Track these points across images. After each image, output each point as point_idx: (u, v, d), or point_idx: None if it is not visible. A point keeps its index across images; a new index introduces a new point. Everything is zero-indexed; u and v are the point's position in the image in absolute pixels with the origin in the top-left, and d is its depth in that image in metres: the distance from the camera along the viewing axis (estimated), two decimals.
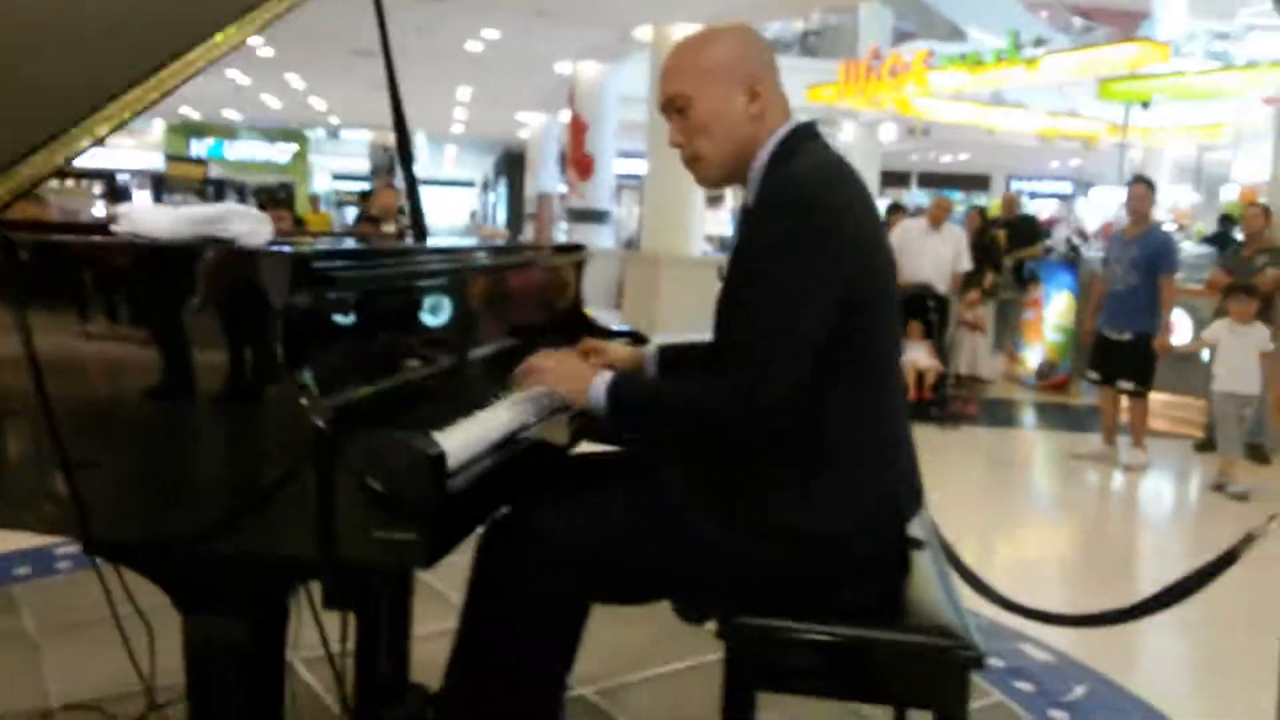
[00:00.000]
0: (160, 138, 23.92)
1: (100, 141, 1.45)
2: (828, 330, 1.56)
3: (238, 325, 1.27)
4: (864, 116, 16.43)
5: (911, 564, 1.77)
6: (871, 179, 17.63)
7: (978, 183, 23.76)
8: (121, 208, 1.39)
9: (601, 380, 1.62)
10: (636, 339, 2.50)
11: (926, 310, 7.39)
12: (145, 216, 1.36)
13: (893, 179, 18.41)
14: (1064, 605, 3.11)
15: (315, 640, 2.07)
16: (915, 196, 20.07)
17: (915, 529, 1.96)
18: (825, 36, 18.04)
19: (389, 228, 6.79)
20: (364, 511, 1.25)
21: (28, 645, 1.54)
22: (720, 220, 18.47)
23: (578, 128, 13.28)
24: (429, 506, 1.24)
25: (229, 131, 22.64)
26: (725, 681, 1.57)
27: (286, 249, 1.32)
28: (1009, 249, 9.20)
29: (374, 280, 1.47)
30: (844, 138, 17.74)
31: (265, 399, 1.26)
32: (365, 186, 17.31)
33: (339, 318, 1.39)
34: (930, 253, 7.63)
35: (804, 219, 1.56)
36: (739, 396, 1.53)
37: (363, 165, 24.19)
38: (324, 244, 1.62)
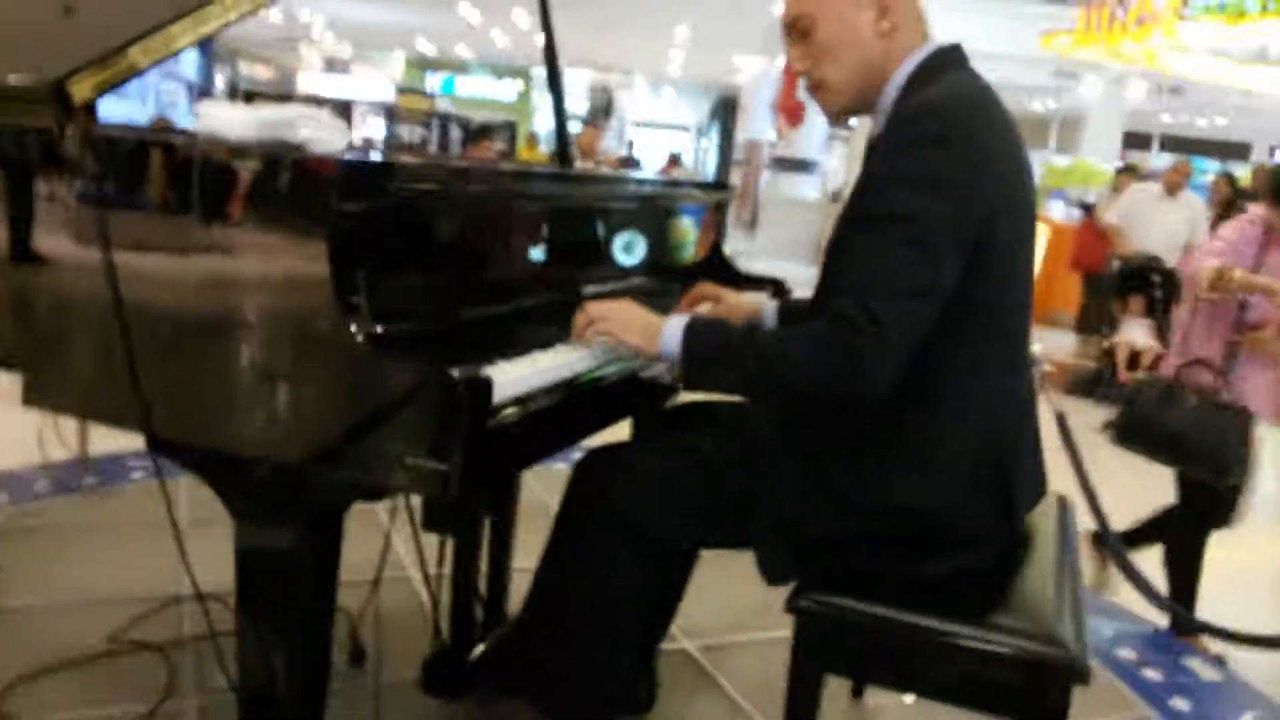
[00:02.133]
0: (399, 70, 25.22)
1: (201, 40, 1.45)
2: (952, 284, 1.37)
3: (288, 232, 1.24)
4: (1109, 70, 15.08)
5: (1026, 555, 1.57)
6: (1113, 139, 16.26)
7: (1235, 150, 21.34)
8: (201, 105, 1.38)
9: (676, 324, 1.47)
10: (779, 289, 2.34)
11: (1150, 285, 6.73)
12: (221, 114, 1.34)
13: (1133, 140, 16.85)
14: (1259, 624, 2.74)
15: (412, 559, 2.11)
16: (1157, 161, 18.32)
17: (1044, 519, 1.76)
18: None
19: (585, 165, 6.84)
20: (397, 436, 1.19)
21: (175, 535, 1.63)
22: None
23: (791, 73, 12.91)
24: (461, 438, 1.17)
25: (461, 67, 23.52)
26: (791, 660, 1.44)
27: (345, 156, 1.26)
28: None
29: (444, 198, 1.40)
30: (1085, 92, 16.40)
31: (310, 311, 1.22)
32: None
33: (399, 234, 1.33)
34: (1161, 222, 6.95)
35: (939, 150, 1.36)
36: (848, 355, 1.33)
37: (583, 105, 24.63)
38: (410, 160, 1.56)
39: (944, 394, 1.45)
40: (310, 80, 23.18)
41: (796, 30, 1.54)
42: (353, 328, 1.20)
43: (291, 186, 1.24)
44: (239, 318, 1.26)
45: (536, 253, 1.67)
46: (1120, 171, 8.36)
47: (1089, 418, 6.03)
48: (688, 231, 2.24)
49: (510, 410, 1.30)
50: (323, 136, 1.33)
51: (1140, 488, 4.41)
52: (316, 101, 16.57)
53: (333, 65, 24.58)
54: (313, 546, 1.36)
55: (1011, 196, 1.43)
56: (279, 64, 25.84)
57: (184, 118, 11.93)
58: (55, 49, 1.43)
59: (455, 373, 1.18)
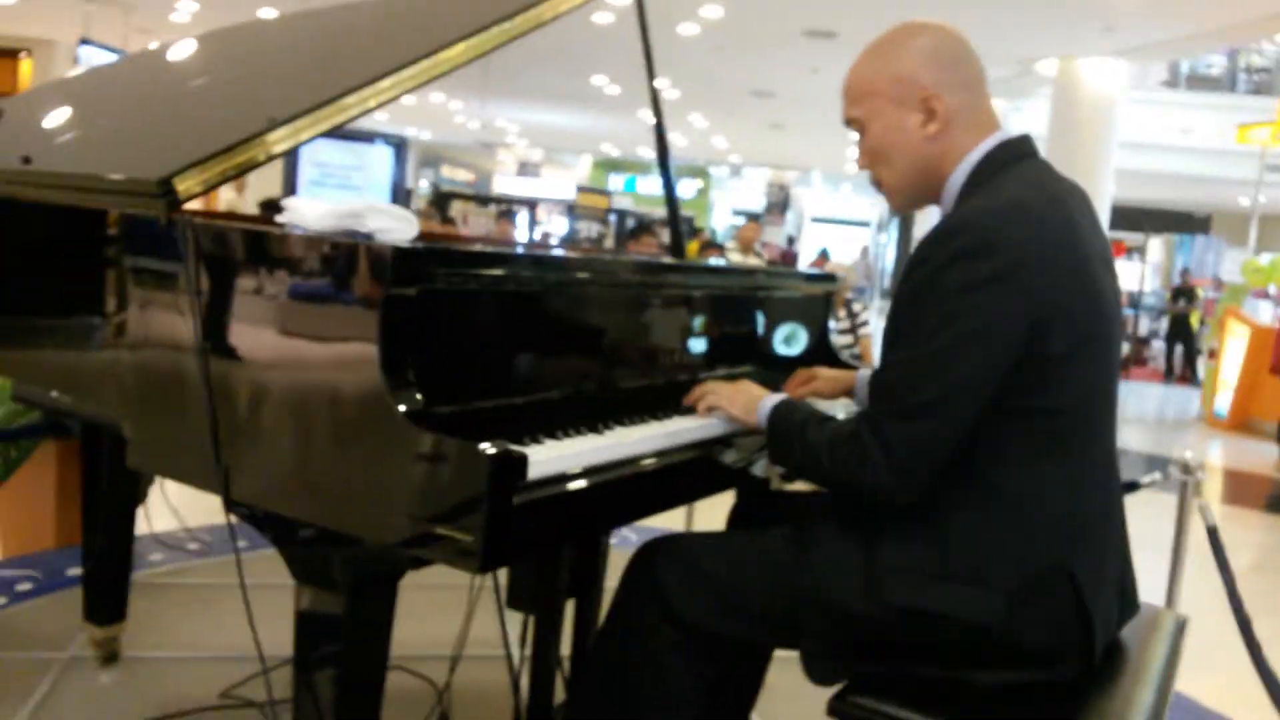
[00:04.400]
0: (586, 171, 26.40)
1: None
2: (994, 389, 1.34)
3: (349, 314, 1.33)
4: None
5: (1113, 673, 1.46)
6: None
7: None
8: (288, 200, 1.52)
9: (771, 399, 1.58)
10: None
11: None
12: (302, 207, 1.48)
13: None
14: None
15: (496, 637, 2.15)
16: None
17: (1148, 636, 1.63)
18: (1278, 73, 15.71)
19: (737, 257, 6.94)
20: (431, 507, 1.25)
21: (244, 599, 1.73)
22: (1130, 273, 16.69)
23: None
24: (485, 513, 1.21)
25: (642, 167, 24.39)
26: None
27: (398, 243, 1.36)
28: None
29: (493, 286, 1.47)
30: None
31: (361, 389, 1.30)
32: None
33: (450, 316, 1.40)
34: None
35: (969, 264, 1.33)
36: (861, 468, 1.37)
37: (760, 201, 24.99)
38: (480, 248, 1.65)
39: (995, 507, 1.38)
40: (504, 182, 24.62)
41: (853, 130, 1.56)
42: (398, 402, 1.28)
43: (351, 270, 1.34)
44: (300, 390, 1.36)
45: (599, 338, 1.72)
46: None
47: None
48: (779, 322, 2.24)
49: (553, 487, 1.34)
50: (391, 226, 1.44)
51: None
52: (508, 201, 17.68)
53: (525, 168, 26.03)
54: (362, 611, 1.42)
55: (1067, 303, 1.37)
56: (477, 167, 27.61)
57: None
58: (172, 147, 1.61)
59: (485, 448, 1.23)
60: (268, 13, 11.76)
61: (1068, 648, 1.40)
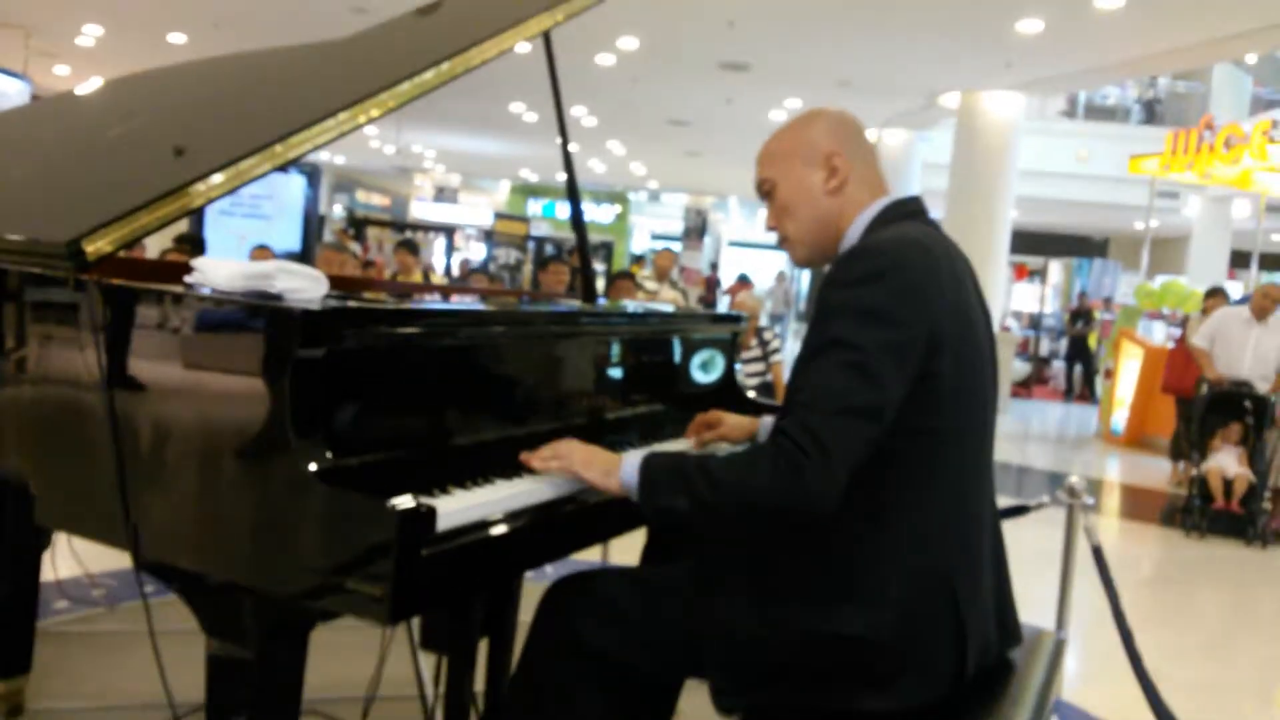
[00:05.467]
0: (505, 197, 26.37)
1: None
2: (894, 410, 1.44)
3: (255, 373, 1.37)
4: (1211, 191, 14.81)
5: (985, 696, 1.56)
6: (1220, 258, 15.84)
7: None
8: (197, 261, 1.55)
9: (634, 458, 1.54)
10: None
11: (1241, 411, 6.51)
12: (211, 268, 1.51)
13: (1235, 259, 16.36)
14: None
15: (410, 678, 2.18)
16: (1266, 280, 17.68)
17: (1030, 658, 1.74)
18: (1169, 104, 16.53)
19: (653, 286, 7.03)
20: (339, 561, 1.29)
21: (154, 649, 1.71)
22: (1030, 295, 17.33)
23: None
24: (394, 566, 1.26)
25: (560, 193, 24.50)
26: None
27: (305, 306, 1.40)
28: None
29: (400, 342, 1.53)
30: (1188, 213, 16.09)
31: (269, 447, 1.34)
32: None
33: (358, 374, 1.45)
34: (1251, 346, 6.74)
35: (880, 284, 1.45)
36: (790, 474, 1.38)
37: (678, 226, 25.26)
38: (382, 302, 1.70)
39: (884, 524, 1.49)
40: (421, 207, 24.46)
41: (763, 193, 1.69)
42: (305, 458, 1.32)
43: (260, 332, 1.38)
44: (209, 448, 1.39)
45: (508, 388, 1.78)
46: (1209, 294, 8.14)
47: (1178, 550, 5.80)
48: (687, 362, 2.33)
49: (465, 536, 1.39)
50: (299, 286, 1.48)
51: (1200, 623, 4.21)
52: (423, 228, 17.55)
53: (442, 193, 25.90)
54: (273, 662, 1.45)
55: (955, 333, 1.50)
56: (393, 192, 27.34)
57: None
58: (82, 204, 1.63)
59: (394, 503, 1.27)
60: (176, 37, 11.55)
61: (945, 660, 1.50)
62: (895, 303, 1.45)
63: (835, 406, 1.41)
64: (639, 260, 9.25)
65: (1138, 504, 7.33)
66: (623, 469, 1.54)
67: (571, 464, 1.59)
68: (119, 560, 1.48)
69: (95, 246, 1.49)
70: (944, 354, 1.48)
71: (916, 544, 1.49)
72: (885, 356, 1.43)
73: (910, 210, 1.64)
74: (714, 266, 23.01)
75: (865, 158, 1.67)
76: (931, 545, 1.50)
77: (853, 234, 1.63)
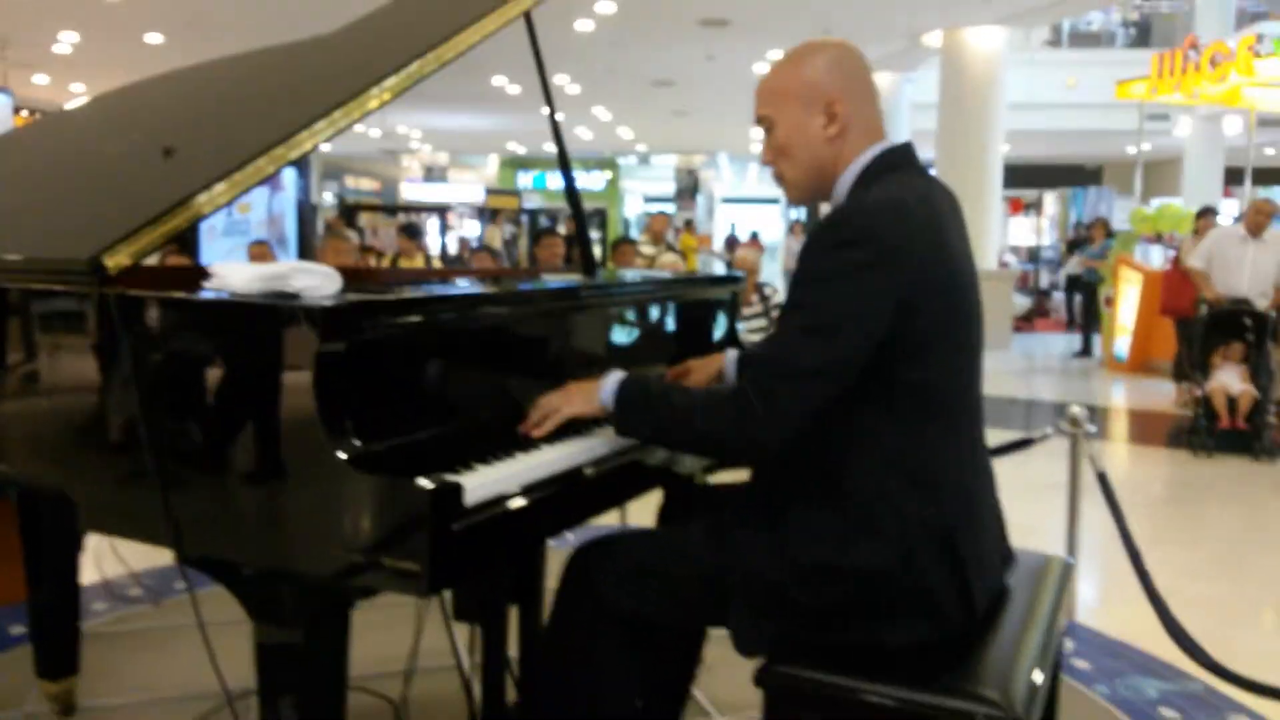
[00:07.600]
0: (495, 171, 26.30)
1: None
2: (858, 367, 1.53)
3: (281, 370, 1.44)
4: (1201, 110, 14.74)
5: (996, 622, 1.64)
6: (1214, 178, 15.79)
7: None
8: (214, 266, 1.61)
9: (611, 380, 1.66)
10: None
11: (1242, 329, 6.56)
12: (227, 272, 1.57)
13: (1228, 176, 16.29)
14: None
15: (446, 649, 2.26)
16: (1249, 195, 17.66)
17: (1037, 582, 1.82)
18: (1155, 26, 16.40)
19: (650, 250, 7.09)
20: (375, 540, 1.37)
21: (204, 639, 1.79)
22: (1027, 228, 17.30)
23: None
24: (428, 541, 1.34)
25: (550, 164, 24.43)
26: None
27: (323, 302, 1.46)
28: None
29: (416, 329, 1.59)
30: (1179, 134, 16.03)
31: (301, 440, 1.41)
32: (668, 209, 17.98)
33: (379, 363, 1.51)
34: (1248, 264, 6.77)
35: (844, 252, 1.53)
36: (738, 419, 1.54)
37: (670, 188, 25.21)
38: (396, 291, 1.77)
39: (882, 465, 1.57)
40: (411, 189, 24.40)
41: (762, 127, 1.73)
42: (335, 447, 1.39)
43: (283, 331, 1.45)
44: (243, 445, 1.46)
45: (523, 363, 1.84)
46: (1200, 214, 8.16)
47: (1187, 470, 5.88)
48: (691, 324, 2.39)
49: (491, 509, 1.46)
50: (315, 284, 1.54)
51: (1209, 540, 4.29)
52: (417, 209, 17.54)
53: (432, 173, 25.84)
54: (318, 642, 1.53)
55: (933, 286, 1.57)
56: (382, 176, 27.29)
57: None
58: (97, 220, 1.69)
59: (420, 482, 1.35)
60: (154, 37, 11.50)
61: (954, 591, 1.57)
62: (862, 269, 1.52)
63: (786, 370, 1.53)
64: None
65: (1145, 428, 7.40)
66: (601, 392, 1.67)
67: (561, 412, 1.69)
68: (154, 556, 1.55)
69: (115, 260, 1.55)
70: (920, 312, 1.54)
71: (906, 485, 1.57)
72: (845, 320, 1.52)
73: (897, 161, 1.68)
74: (733, 227, 23.23)
75: (865, 98, 1.68)
76: (929, 486, 1.58)
77: (846, 179, 1.68)
